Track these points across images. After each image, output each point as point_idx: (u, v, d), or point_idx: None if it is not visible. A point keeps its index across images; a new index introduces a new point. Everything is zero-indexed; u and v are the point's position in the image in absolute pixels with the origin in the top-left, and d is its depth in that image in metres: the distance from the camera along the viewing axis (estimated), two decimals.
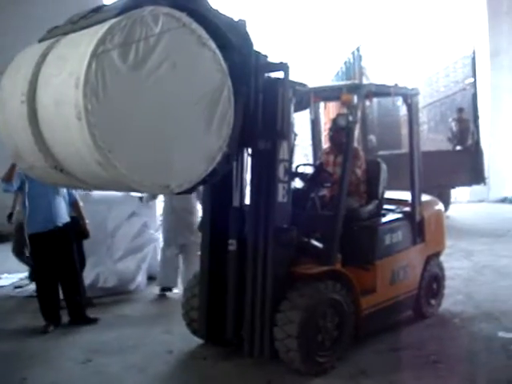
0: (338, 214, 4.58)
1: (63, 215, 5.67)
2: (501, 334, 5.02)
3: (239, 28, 3.99)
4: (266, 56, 4.24)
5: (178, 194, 3.78)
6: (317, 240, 4.57)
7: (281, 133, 4.23)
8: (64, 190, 5.69)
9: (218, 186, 4.32)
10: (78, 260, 6.05)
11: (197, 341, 4.95)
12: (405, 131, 14.32)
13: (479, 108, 12.19)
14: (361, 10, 18.79)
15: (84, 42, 3.20)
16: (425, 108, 14.21)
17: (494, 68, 14.62)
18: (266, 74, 4.30)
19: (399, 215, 5.34)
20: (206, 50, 3.62)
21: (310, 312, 4.17)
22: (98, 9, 3.54)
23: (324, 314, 4.30)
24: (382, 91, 5.40)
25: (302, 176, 5.13)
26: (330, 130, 5.33)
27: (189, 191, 3.82)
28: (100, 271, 6.68)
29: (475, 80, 12.08)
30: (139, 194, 7.04)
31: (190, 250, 6.53)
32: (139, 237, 7.06)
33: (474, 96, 12.10)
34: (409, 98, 5.38)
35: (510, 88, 14.50)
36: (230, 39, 3.87)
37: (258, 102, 4.19)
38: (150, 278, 7.24)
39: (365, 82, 11.78)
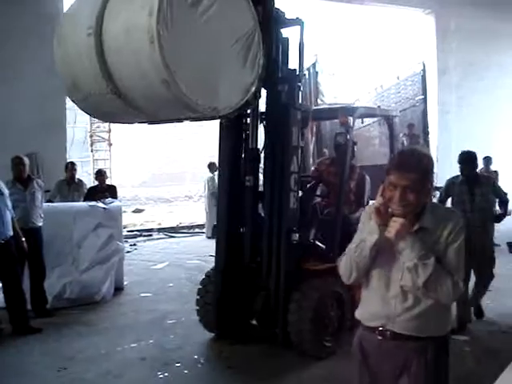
0: (336, 219, 5.29)
1: (10, 228, 5.70)
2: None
3: None
4: (283, 12, 4.94)
5: (220, 117, 4.53)
6: (318, 241, 5.36)
7: (297, 77, 4.95)
8: (10, 205, 5.72)
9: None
10: (38, 271, 6.38)
11: (168, 348, 5.26)
12: (358, 145, 14.76)
13: (428, 124, 12.73)
14: (314, 27, 19.29)
15: None
16: (375, 123, 14.62)
17: (441, 85, 15.12)
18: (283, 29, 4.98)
19: None
20: (243, 0, 4.34)
21: (318, 300, 4.85)
22: None
23: (328, 304, 4.97)
24: (369, 113, 6.37)
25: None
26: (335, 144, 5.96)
27: (228, 116, 4.47)
28: (66, 282, 6.72)
29: (425, 97, 12.59)
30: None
31: None
32: (105, 248, 7.10)
33: (424, 112, 12.64)
34: (390, 118, 6.16)
35: (456, 105, 15.06)
36: None
37: (278, 50, 4.93)
38: (117, 289, 7.36)
39: (321, 98, 12.16)
